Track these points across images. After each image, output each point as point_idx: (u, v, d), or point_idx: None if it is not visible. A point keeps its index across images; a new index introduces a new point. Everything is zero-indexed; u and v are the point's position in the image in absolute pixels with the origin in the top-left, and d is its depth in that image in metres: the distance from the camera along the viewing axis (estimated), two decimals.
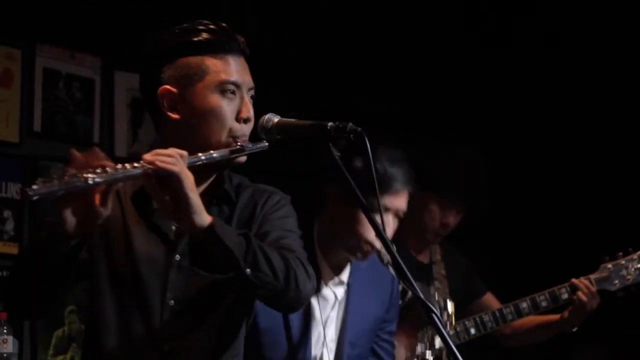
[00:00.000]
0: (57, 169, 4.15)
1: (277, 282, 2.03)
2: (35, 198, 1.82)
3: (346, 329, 2.74)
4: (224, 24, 2.21)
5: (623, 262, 3.57)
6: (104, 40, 4.24)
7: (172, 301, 2.12)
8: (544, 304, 3.56)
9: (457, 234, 3.69)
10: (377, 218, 2.07)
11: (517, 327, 3.71)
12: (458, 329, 3.53)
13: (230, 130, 2.14)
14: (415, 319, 3.35)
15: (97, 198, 1.92)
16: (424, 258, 3.70)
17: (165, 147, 2.07)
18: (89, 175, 1.87)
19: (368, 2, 4.67)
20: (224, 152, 2.11)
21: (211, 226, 1.99)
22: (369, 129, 2.13)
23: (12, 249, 4.03)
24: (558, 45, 4.67)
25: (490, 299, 3.75)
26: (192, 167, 2.02)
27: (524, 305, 3.56)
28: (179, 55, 2.14)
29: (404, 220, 3.56)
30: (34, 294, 2.04)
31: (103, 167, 1.91)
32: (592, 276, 3.56)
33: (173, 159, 1.98)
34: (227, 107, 2.14)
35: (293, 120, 2.25)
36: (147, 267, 2.12)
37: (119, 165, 1.94)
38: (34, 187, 1.82)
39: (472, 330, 3.55)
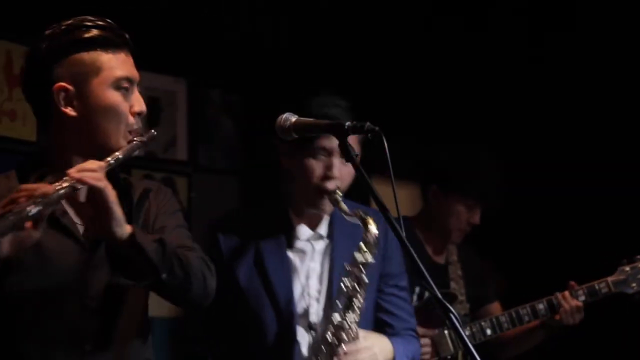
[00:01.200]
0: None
1: (188, 285, 2.11)
2: None
3: (334, 280, 2.69)
4: (109, 20, 2.22)
5: None
6: None
7: (88, 300, 2.12)
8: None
9: (475, 234, 3.68)
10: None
11: (508, 336, 3.66)
12: (474, 329, 3.51)
13: (127, 125, 2.16)
14: (431, 318, 3.34)
15: (29, 223, 1.92)
16: (440, 259, 3.69)
17: (66, 145, 2.13)
18: (29, 207, 1.88)
19: (372, 2, 4.65)
20: (127, 150, 2.12)
21: (132, 236, 2.02)
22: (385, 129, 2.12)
23: None
24: (573, 46, 4.65)
25: (497, 308, 3.72)
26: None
27: (541, 306, 3.54)
28: (72, 52, 2.14)
29: (425, 223, 3.57)
30: None
31: (43, 194, 1.91)
32: (610, 279, 3.54)
33: (98, 174, 1.99)
34: (123, 102, 2.16)
35: (311, 119, 2.25)
36: (61, 268, 2.11)
37: (52, 186, 1.94)
38: None
39: (488, 331, 3.53)
